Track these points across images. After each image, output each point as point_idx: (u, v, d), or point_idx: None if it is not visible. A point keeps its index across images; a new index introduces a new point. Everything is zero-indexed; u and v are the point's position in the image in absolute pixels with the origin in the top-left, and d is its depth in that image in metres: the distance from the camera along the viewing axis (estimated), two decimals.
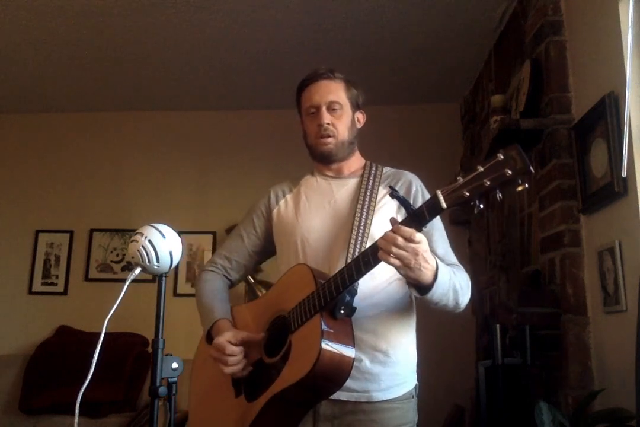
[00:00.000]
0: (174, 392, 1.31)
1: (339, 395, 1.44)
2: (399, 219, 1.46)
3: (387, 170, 1.70)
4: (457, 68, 3.82)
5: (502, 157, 1.11)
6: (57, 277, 4.34)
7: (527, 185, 1.11)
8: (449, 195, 1.17)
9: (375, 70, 3.84)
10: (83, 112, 4.59)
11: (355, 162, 1.71)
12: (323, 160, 1.68)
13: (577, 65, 2.42)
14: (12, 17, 3.23)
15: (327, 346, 1.31)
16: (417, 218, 1.23)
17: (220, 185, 4.37)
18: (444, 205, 1.18)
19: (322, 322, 1.34)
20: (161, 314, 1.35)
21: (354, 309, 1.38)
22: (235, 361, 1.49)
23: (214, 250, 4.21)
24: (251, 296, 3.76)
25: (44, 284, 4.33)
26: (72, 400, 1.25)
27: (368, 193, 1.60)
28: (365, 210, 1.56)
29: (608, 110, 2.05)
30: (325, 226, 1.59)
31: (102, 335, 1.25)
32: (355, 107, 1.69)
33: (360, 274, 1.33)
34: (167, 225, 1.41)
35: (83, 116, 4.61)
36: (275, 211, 1.71)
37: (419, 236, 1.24)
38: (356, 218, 1.55)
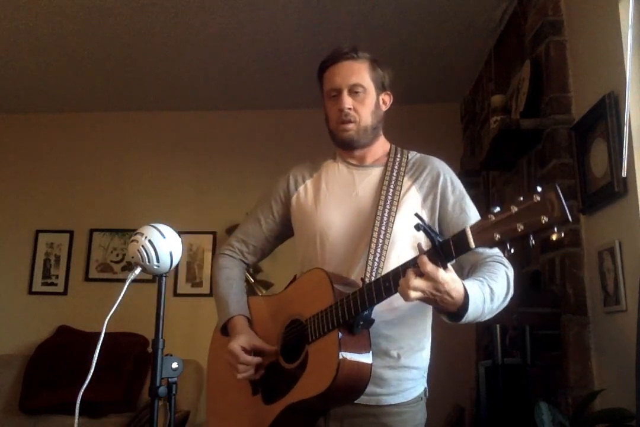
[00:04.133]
0: (174, 392, 1.31)
1: None
2: (424, 215, 1.45)
3: (412, 156, 1.61)
4: (457, 68, 3.82)
5: (538, 198, 1.03)
6: (57, 277, 4.34)
7: (563, 234, 1.04)
8: (479, 235, 1.10)
9: None
10: (83, 112, 4.59)
11: (380, 148, 1.63)
12: (345, 146, 1.60)
13: (577, 65, 2.42)
14: (12, 17, 3.23)
15: (345, 361, 1.31)
16: (442, 252, 1.16)
17: (220, 185, 4.37)
18: (472, 245, 1.11)
19: (340, 339, 1.33)
20: (161, 314, 1.35)
21: (372, 321, 1.36)
22: (248, 369, 1.50)
23: (214, 250, 4.21)
24: (251, 295, 3.76)
25: (44, 284, 4.33)
26: (72, 400, 1.25)
27: (392, 186, 1.52)
28: (387, 207, 1.49)
29: (608, 110, 2.05)
30: (346, 221, 1.53)
31: (102, 335, 1.25)
32: (381, 88, 1.59)
33: (381, 298, 1.29)
34: (167, 225, 1.41)
35: (83, 116, 4.61)
36: (294, 198, 1.64)
37: (441, 276, 1.17)
38: (377, 218, 1.48)
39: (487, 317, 1.37)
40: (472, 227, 1.12)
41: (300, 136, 4.15)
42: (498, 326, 2.48)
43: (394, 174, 1.55)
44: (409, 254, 1.46)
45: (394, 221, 1.48)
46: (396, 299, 1.35)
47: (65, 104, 4.47)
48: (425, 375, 1.56)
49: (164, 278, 1.38)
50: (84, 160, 4.52)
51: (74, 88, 4.19)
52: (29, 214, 4.45)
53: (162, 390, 1.28)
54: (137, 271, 1.35)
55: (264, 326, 1.59)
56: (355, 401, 1.43)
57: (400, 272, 1.25)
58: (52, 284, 4.32)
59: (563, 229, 1.02)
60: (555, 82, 2.46)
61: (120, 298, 1.27)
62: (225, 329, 1.60)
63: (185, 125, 4.53)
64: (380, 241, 1.45)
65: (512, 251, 1.08)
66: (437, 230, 1.50)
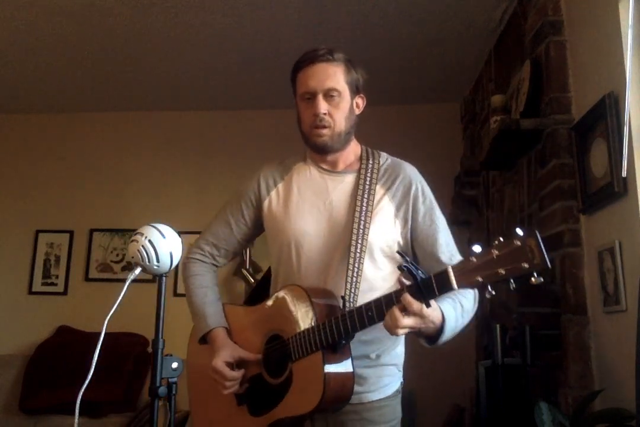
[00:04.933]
0: (174, 392, 1.31)
1: None
2: (397, 225, 1.48)
3: (383, 160, 1.61)
4: (457, 68, 3.82)
5: (519, 243, 1.07)
6: (57, 277, 4.34)
7: (542, 279, 1.06)
8: (462, 277, 1.15)
9: (375, 71, 3.83)
10: (83, 112, 4.59)
11: (351, 152, 1.62)
12: (318, 151, 1.59)
13: (577, 65, 2.42)
14: (12, 17, 3.23)
15: (330, 379, 1.35)
16: (425, 291, 1.20)
17: (220, 185, 4.35)
18: (455, 286, 1.16)
19: (324, 359, 1.36)
20: (161, 314, 1.35)
21: (353, 336, 1.38)
22: (233, 384, 1.52)
23: None
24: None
25: (44, 284, 4.33)
26: (72, 400, 1.25)
27: (365, 195, 1.52)
28: (362, 218, 1.49)
29: (608, 110, 2.05)
30: (321, 229, 1.53)
31: (102, 335, 1.25)
32: (355, 92, 1.57)
33: (364, 327, 1.33)
34: (167, 225, 1.41)
35: (83, 116, 4.61)
36: (266, 203, 1.63)
37: (425, 311, 1.22)
38: (354, 231, 1.48)
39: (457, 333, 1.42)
40: (454, 268, 1.17)
41: (300, 136, 4.14)
42: (498, 326, 2.48)
43: (367, 182, 1.55)
44: (382, 262, 1.52)
45: (368, 232, 1.49)
46: None
47: (65, 104, 4.47)
48: (402, 369, 1.59)
49: (164, 278, 1.38)
50: (84, 160, 4.52)
51: (74, 88, 4.19)
52: (29, 214, 4.45)
53: (162, 390, 1.28)
54: (137, 271, 1.35)
55: (243, 335, 1.59)
56: None
57: (382, 304, 1.28)
58: (52, 284, 4.33)
59: (543, 276, 1.07)
60: (555, 82, 2.46)
61: (120, 298, 1.27)
62: (203, 339, 1.61)
63: (185, 125, 4.53)
64: (358, 255, 1.47)
65: (494, 292, 1.12)
66: (409, 239, 1.54)
